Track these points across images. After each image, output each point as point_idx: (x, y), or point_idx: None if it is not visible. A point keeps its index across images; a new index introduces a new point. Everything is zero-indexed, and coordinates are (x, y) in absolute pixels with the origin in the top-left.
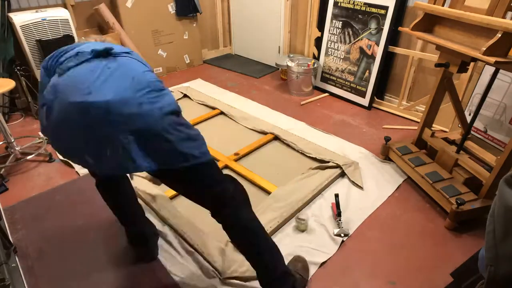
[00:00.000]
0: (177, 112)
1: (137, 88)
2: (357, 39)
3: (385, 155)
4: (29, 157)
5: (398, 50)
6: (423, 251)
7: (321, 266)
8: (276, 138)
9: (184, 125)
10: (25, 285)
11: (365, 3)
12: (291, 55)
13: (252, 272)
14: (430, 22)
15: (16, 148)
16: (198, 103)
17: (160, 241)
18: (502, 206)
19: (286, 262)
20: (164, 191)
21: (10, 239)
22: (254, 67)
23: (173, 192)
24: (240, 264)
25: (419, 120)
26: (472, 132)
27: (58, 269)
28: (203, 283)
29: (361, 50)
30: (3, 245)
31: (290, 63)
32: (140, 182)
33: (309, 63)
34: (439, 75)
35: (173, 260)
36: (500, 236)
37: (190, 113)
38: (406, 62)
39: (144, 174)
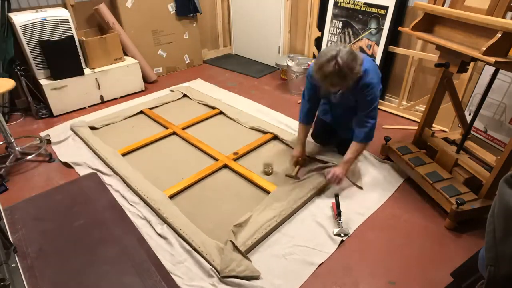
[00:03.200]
0: None
1: None
2: (357, 39)
3: (385, 155)
4: (29, 157)
5: (398, 50)
6: (423, 251)
7: (321, 265)
8: (276, 137)
9: None
10: (25, 285)
11: (365, 3)
12: (291, 55)
13: (250, 271)
14: (430, 22)
15: (16, 148)
16: (198, 102)
17: (160, 241)
18: (502, 206)
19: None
20: (163, 190)
21: (10, 239)
22: (254, 67)
23: (172, 192)
24: (238, 264)
25: (419, 120)
26: (472, 132)
27: (58, 269)
28: (203, 283)
29: (361, 50)
30: (3, 245)
31: (290, 63)
32: (140, 183)
33: (309, 62)
34: (439, 75)
35: (173, 259)
36: (500, 236)
37: (189, 112)
38: (406, 62)
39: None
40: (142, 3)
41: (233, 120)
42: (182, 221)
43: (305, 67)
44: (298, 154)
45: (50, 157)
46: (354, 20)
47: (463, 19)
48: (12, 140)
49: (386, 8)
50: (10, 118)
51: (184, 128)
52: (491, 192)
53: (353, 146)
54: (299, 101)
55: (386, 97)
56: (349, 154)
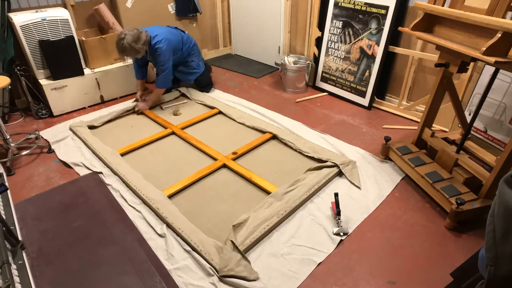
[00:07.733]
0: None
1: None
2: (357, 39)
3: (385, 155)
4: (26, 151)
5: (398, 50)
6: (423, 251)
7: (321, 265)
8: (274, 137)
9: None
10: (31, 280)
11: (365, 3)
12: (290, 55)
13: (248, 272)
14: (430, 22)
15: (12, 144)
16: (197, 102)
17: (160, 240)
18: (502, 206)
19: (283, 261)
20: (162, 190)
21: (19, 235)
22: (254, 67)
23: (171, 191)
24: (237, 263)
25: (419, 120)
26: (472, 132)
27: (58, 269)
28: (202, 282)
29: (362, 50)
30: (9, 242)
31: (284, 61)
32: (140, 183)
33: (304, 61)
34: (439, 75)
35: (173, 259)
36: (500, 236)
37: (188, 112)
38: (406, 62)
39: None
40: (142, 3)
41: (232, 119)
42: (181, 220)
43: (299, 65)
44: (139, 93)
45: (50, 148)
46: (355, 20)
47: (463, 19)
48: (8, 137)
49: (386, 8)
50: (10, 118)
51: (183, 128)
52: (491, 192)
53: (155, 90)
54: (297, 100)
55: (386, 97)
56: (152, 95)
